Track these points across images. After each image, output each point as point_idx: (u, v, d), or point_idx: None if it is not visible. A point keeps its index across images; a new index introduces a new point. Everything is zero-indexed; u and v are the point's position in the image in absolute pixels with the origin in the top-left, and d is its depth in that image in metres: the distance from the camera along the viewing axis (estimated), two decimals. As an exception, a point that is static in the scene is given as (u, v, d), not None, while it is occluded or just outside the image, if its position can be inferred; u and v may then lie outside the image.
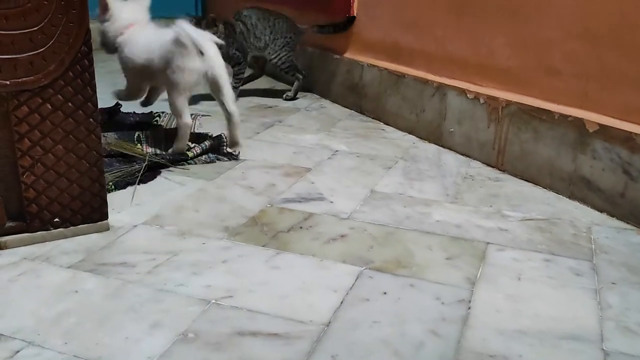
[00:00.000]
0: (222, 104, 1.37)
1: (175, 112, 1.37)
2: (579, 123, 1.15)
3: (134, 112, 1.74)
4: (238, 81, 1.95)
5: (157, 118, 1.71)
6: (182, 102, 1.34)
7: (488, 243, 0.99)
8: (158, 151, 1.39)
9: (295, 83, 2.02)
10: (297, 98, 2.04)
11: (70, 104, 0.92)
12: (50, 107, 0.91)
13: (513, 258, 0.95)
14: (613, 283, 0.87)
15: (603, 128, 1.11)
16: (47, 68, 0.89)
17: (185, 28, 1.27)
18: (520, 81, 1.31)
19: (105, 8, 1.40)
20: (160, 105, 1.79)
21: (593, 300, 0.83)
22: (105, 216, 1.01)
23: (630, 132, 1.06)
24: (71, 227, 0.97)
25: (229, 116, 1.38)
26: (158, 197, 1.16)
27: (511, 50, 1.32)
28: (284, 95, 2.04)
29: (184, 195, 1.17)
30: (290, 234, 1.01)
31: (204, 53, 1.29)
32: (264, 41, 1.95)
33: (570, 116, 1.17)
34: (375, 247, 0.97)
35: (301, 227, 1.04)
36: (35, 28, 0.87)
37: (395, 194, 1.21)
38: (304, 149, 1.49)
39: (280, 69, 1.99)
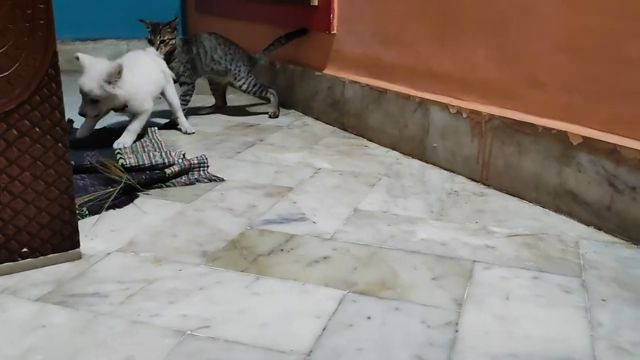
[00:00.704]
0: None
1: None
2: (563, 136, 1.14)
3: (93, 154, 1.71)
4: (185, 102, 1.94)
5: (120, 154, 1.67)
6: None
7: (475, 261, 0.97)
8: (141, 162, 1.35)
9: (272, 99, 2.01)
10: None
11: (37, 129, 0.89)
12: (16, 132, 0.87)
13: (501, 276, 0.92)
14: (603, 300, 0.85)
15: (587, 141, 1.09)
16: (12, 92, 0.86)
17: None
18: (503, 95, 1.29)
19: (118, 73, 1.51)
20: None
21: (584, 319, 0.80)
22: (76, 244, 0.97)
23: (615, 145, 1.04)
24: (41, 257, 0.93)
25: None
26: (134, 222, 1.12)
27: (494, 63, 1.31)
28: (268, 114, 2.01)
29: (161, 219, 1.13)
30: (270, 258, 0.98)
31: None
32: (224, 65, 1.95)
33: (554, 129, 1.16)
34: (359, 269, 0.94)
35: (282, 250, 1.01)
36: (0, 51, 0.84)
37: (379, 212, 1.18)
38: (286, 168, 1.46)
39: (252, 93, 2.00)
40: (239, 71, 1.96)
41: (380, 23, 1.65)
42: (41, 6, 0.85)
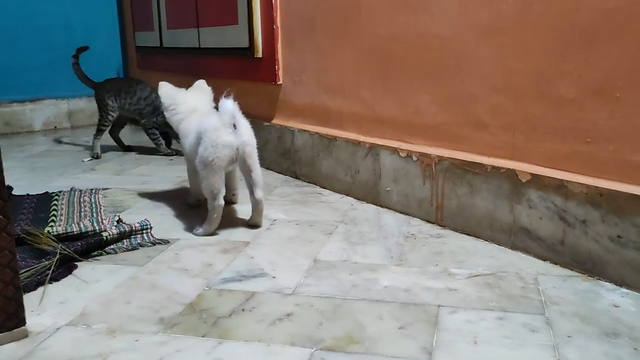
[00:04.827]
0: (250, 189, 1.35)
1: (208, 194, 1.31)
2: (512, 174, 1.17)
3: (28, 194, 1.66)
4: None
5: (56, 198, 1.62)
6: (217, 182, 1.29)
7: (439, 306, 0.96)
8: (69, 231, 1.29)
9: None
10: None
11: (-25, 202, 0.84)
12: (-48, 207, 0.82)
13: (466, 320, 0.91)
14: (569, 336, 0.85)
15: (535, 177, 1.12)
16: (-54, 165, 0.81)
17: (226, 104, 1.26)
18: (450, 136, 1.32)
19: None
20: (58, 184, 1.71)
21: (552, 358, 0.80)
22: (22, 322, 0.90)
23: (562, 180, 1.08)
24: (-18, 339, 0.86)
25: (255, 203, 1.35)
26: (84, 292, 1.06)
27: (437, 107, 1.34)
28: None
29: (113, 286, 1.08)
30: (232, 319, 0.94)
31: (237, 127, 1.28)
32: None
33: (502, 168, 1.19)
34: (324, 324, 0.92)
35: (243, 310, 0.97)
36: None
37: (339, 262, 1.16)
38: (240, 221, 1.43)
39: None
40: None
41: (324, 73, 1.68)
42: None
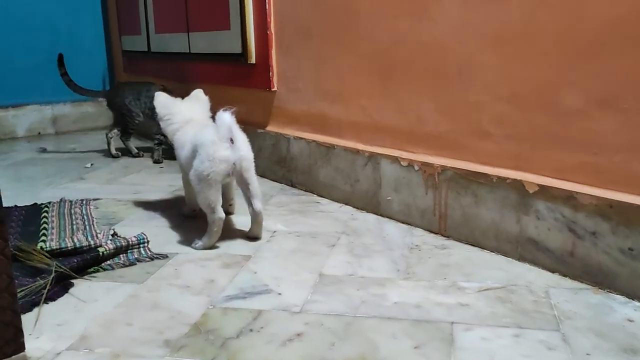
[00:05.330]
0: (248, 200, 1.32)
1: (204, 205, 1.27)
2: (518, 185, 1.15)
3: (16, 206, 1.62)
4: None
5: (46, 210, 1.58)
6: (214, 195, 1.26)
7: (453, 323, 0.94)
8: (63, 246, 1.24)
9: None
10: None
11: (-29, 224, 0.79)
12: (-54, 230, 0.78)
13: (482, 337, 0.89)
14: (588, 354, 0.84)
15: (543, 188, 1.11)
16: (-60, 186, 0.76)
17: (224, 117, 1.24)
18: (453, 146, 1.30)
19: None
20: (46, 194, 1.66)
21: (573, 377, 0.79)
22: (21, 347, 0.86)
23: (571, 191, 1.06)
24: (-21, 368, 0.82)
25: (254, 215, 1.33)
26: (82, 312, 1.02)
27: (440, 116, 1.32)
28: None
29: (112, 306, 1.04)
30: (240, 340, 0.91)
31: (234, 142, 1.25)
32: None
33: (508, 178, 1.17)
34: (336, 344, 0.89)
35: (251, 330, 0.94)
36: None
37: (346, 276, 1.14)
38: (239, 233, 1.40)
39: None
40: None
41: (322, 80, 1.65)
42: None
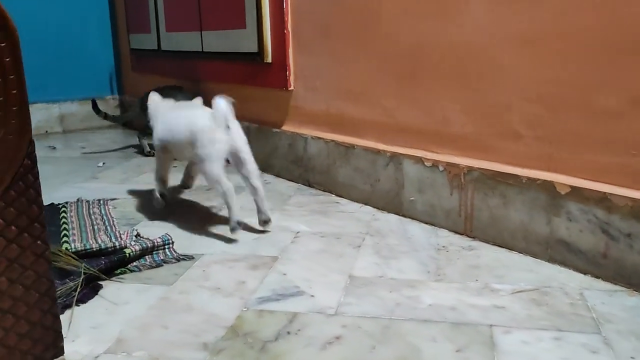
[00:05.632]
0: (246, 179, 1.41)
1: (212, 181, 1.37)
2: (549, 186, 1.15)
3: None
4: None
5: (64, 210, 1.57)
6: (216, 168, 1.35)
7: (491, 326, 0.94)
8: (88, 247, 1.23)
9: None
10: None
11: (13, 227, 0.78)
12: (-11, 234, 0.77)
13: (522, 341, 0.89)
14: (632, 358, 0.83)
15: (575, 190, 1.11)
16: (-17, 189, 0.76)
17: (220, 104, 1.34)
18: (480, 147, 1.30)
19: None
20: (62, 194, 1.65)
21: (621, 381, 0.79)
22: (60, 351, 0.85)
23: (605, 193, 1.06)
24: (21, 373, 0.81)
25: (254, 191, 1.40)
26: (115, 315, 1.01)
27: (466, 116, 1.32)
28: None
29: (144, 308, 1.03)
30: (279, 343, 0.90)
31: (230, 127, 1.36)
32: None
33: (538, 179, 1.17)
34: (377, 347, 0.88)
35: (289, 333, 0.94)
36: (-32, 145, 0.74)
37: (376, 278, 1.13)
38: (263, 234, 1.39)
39: None
40: None
41: (342, 79, 1.65)
42: (14, 92, 0.77)
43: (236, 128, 1.39)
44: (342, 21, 1.61)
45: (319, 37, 1.70)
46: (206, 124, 1.36)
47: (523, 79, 1.19)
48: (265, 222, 1.41)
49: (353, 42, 1.59)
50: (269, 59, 1.88)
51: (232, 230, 1.34)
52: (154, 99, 1.62)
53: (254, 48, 1.90)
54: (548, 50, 1.14)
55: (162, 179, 1.60)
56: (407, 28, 1.42)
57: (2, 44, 0.73)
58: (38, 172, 0.80)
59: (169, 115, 1.52)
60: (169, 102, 1.61)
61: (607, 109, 1.06)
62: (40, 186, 0.81)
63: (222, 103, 1.34)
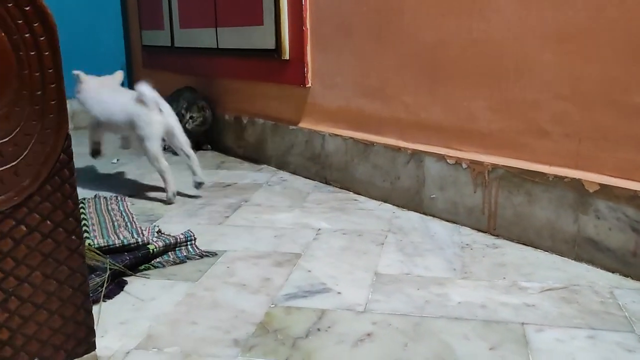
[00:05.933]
0: (180, 150, 1.65)
1: (152, 158, 1.60)
2: (577, 184, 1.14)
3: None
4: None
5: (82, 206, 1.56)
6: (156, 147, 1.59)
7: (523, 324, 0.93)
8: (111, 243, 1.22)
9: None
10: None
11: (48, 222, 0.78)
12: (25, 228, 0.76)
13: (556, 339, 0.88)
14: (669, 357, 0.83)
15: (604, 188, 1.10)
16: (20, 184, 0.75)
17: (145, 90, 1.57)
18: (506, 144, 1.29)
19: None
20: (80, 191, 1.65)
21: (660, 380, 0.78)
22: (92, 347, 0.85)
23: (635, 191, 1.05)
24: (54, 368, 0.81)
25: (188, 158, 1.65)
26: (142, 311, 1.01)
27: (492, 113, 1.31)
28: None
29: (172, 304, 1.03)
30: (310, 340, 0.90)
31: (162, 110, 1.60)
32: None
33: (566, 177, 1.16)
34: (409, 345, 0.88)
35: (319, 329, 0.93)
36: (5, 139, 0.73)
37: (402, 275, 1.13)
38: (284, 231, 1.39)
39: None
40: None
41: (362, 77, 1.64)
42: (52, 86, 0.76)
43: (167, 109, 1.60)
44: (363, 18, 1.60)
45: (339, 33, 1.69)
46: (142, 108, 1.57)
47: (553, 76, 1.18)
48: (199, 184, 1.66)
49: (374, 39, 1.58)
50: (287, 56, 1.87)
51: (168, 200, 1.60)
52: (84, 79, 1.78)
53: (271, 45, 1.90)
54: (581, 47, 1.13)
55: (95, 142, 1.84)
56: (430, 24, 1.41)
57: (42, 38, 0.73)
58: (74, 167, 0.80)
59: (104, 98, 1.72)
60: (95, 80, 1.79)
61: (638, 105, 1.06)
62: (75, 181, 0.80)
63: (146, 89, 1.56)
